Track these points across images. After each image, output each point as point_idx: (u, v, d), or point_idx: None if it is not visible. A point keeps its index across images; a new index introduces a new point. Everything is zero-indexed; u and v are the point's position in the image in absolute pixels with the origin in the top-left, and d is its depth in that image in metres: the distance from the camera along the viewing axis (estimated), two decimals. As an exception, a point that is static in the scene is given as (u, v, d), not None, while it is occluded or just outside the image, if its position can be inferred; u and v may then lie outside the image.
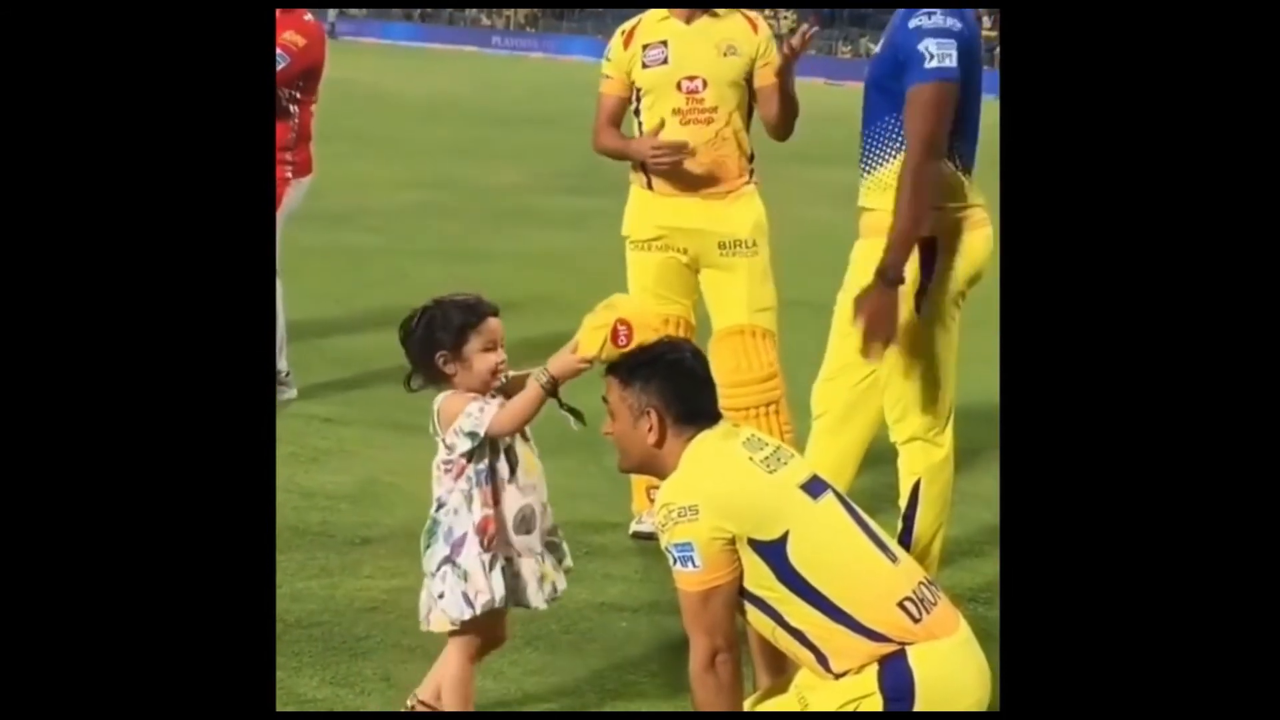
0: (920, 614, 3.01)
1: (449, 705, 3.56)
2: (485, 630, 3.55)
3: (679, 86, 5.02)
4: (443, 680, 3.57)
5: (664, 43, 5.05)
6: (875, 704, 2.95)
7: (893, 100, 4.20)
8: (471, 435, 3.42)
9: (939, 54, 4.07)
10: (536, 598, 3.54)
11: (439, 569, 3.49)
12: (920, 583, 3.08)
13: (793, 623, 3.02)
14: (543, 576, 3.57)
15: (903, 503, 4.47)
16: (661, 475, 3.19)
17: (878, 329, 4.17)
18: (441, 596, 3.48)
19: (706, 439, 3.14)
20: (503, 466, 3.49)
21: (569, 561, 3.70)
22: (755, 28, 5.12)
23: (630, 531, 5.14)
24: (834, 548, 3.04)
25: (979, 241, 4.32)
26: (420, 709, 3.62)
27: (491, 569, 3.46)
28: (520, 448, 3.53)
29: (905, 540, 4.46)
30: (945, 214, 4.24)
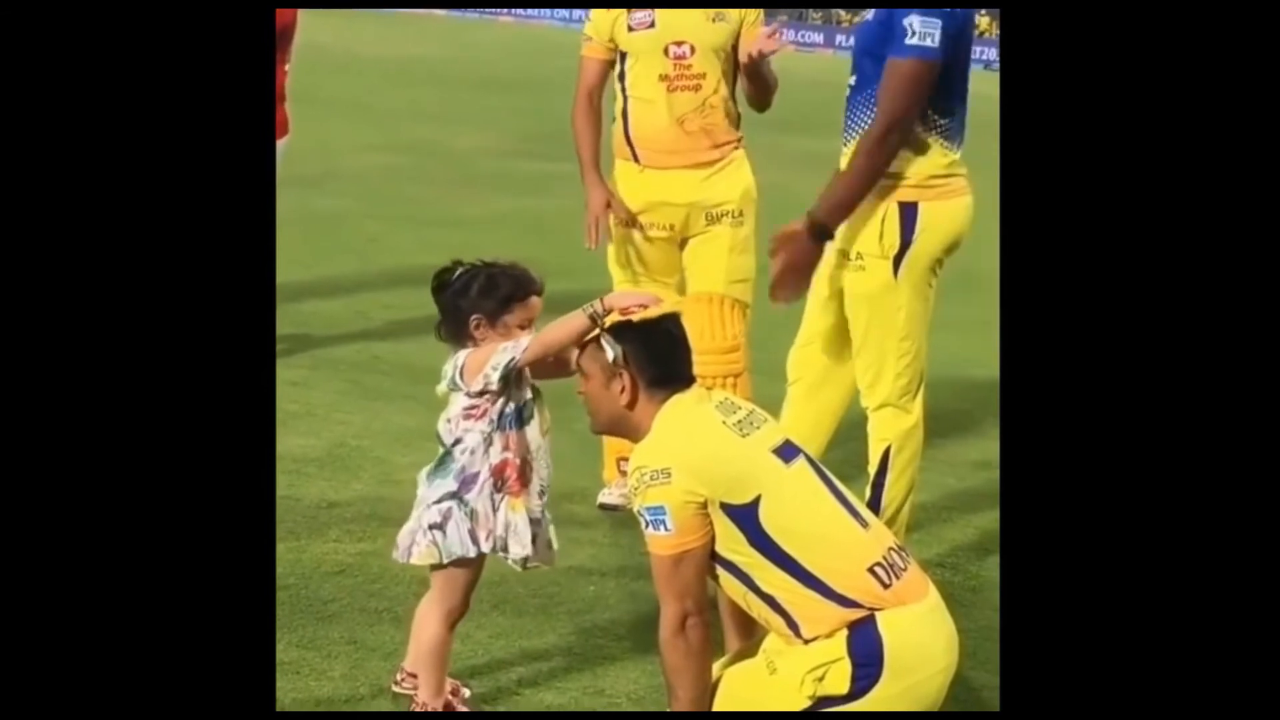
0: (890, 580, 3.02)
1: (426, 672, 3.56)
2: (469, 584, 3.54)
3: (666, 52, 4.93)
4: (420, 647, 3.57)
5: (650, 6, 4.96)
6: (844, 669, 2.96)
7: (880, 68, 4.20)
8: (506, 365, 3.38)
9: (921, 31, 4.09)
10: (515, 545, 3.50)
11: (441, 501, 3.47)
12: (890, 549, 3.09)
13: (765, 588, 3.03)
14: (534, 536, 3.54)
15: (872, 469, 4.49)
16: (632, 437, 3.19)
17: (791, 278, 4.22)
18: (436, 529, 3.46)
19: (680, 402, 3.14)
20: (521, 416, 3.48)
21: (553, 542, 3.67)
22: None
23: (598, 503, 5.14)
24: (806, 512, 3.04)
25: (958, 210, 4.34)
26: (408, 682, 3.61)
27: (497, 509, 3.46)
28: (536, 406, 3.53)
29: (875, 506, 4.47)
30: (926, 182, 4.26)
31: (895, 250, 4.27)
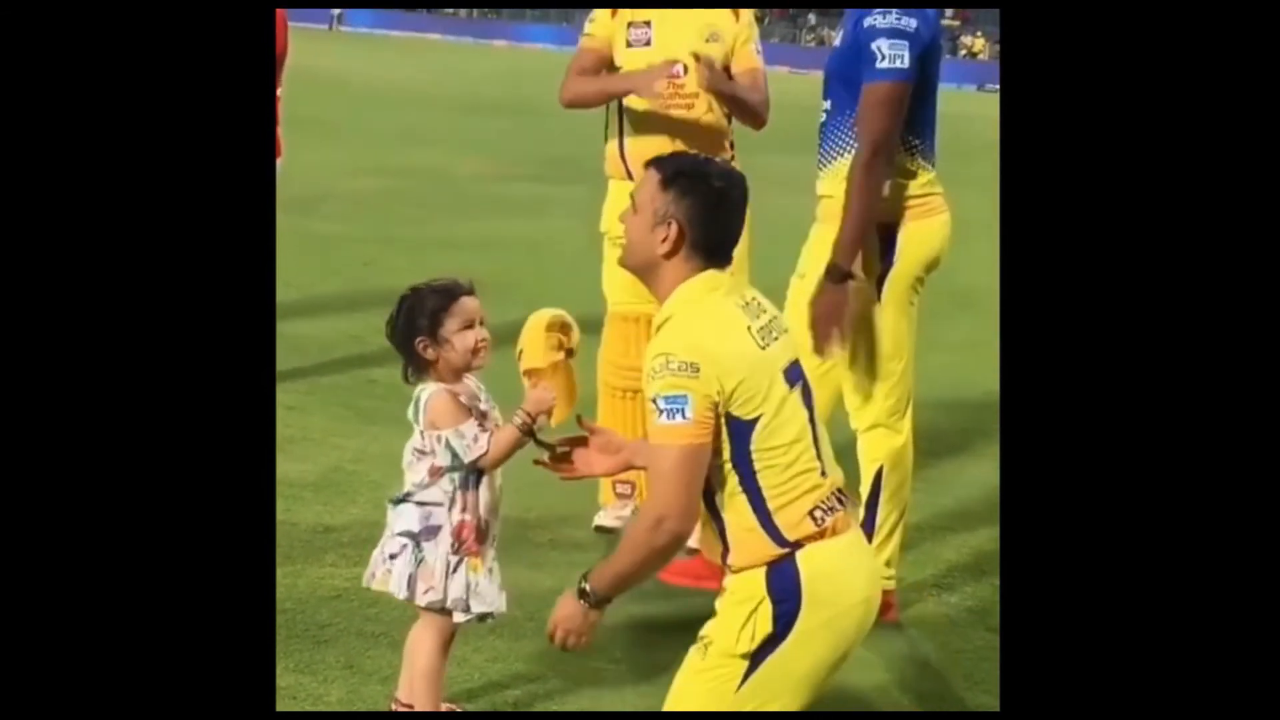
0: (824, 521, 2.96)
1: (420, 694, 3.56)
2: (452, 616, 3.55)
3: None
4: (415, 668, 3.57)
5: (648, 23, 4.99)
6: (766, 610, 2.90)
7: (853, 92, 4.24)
8: (453, 454, 3.44)
9: (890, 54, 4.13)
10: (477, 603, 3.53)
11: (400, 535, 3.50)
12: (833, 493, 3.02)
13: (719, 506, 2.96)
14: (496, 584, 3.57)
15: (864, 490, 4.49)
16: (654, 288, 3.07)
17: (830, 327, 4.23)
18: (392, 558, 3.50)
19: (711, 287, 3.00)
20: (480, 476, 3.52)
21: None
22: (737, 15, 5.05)
23: (594, 526, 5.14)
24: (786, 443, 2.95)
25: (937, 228, 4.36)
26: (402, 710, 3.61)
27: (454, 571, 3.48)
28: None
29: (869, 527, 4.47)
30: (904, 202, 4.29)
31: (877, 272, 4.30)
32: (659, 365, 2.87)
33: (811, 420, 3.03)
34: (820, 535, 2.95)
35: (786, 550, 2.92)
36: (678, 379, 2.85)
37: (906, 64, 4.13)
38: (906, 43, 4.13)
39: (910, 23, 4.15)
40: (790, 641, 2.90)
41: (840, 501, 3.01)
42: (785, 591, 2.90)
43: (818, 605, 2.91)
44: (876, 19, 4.15)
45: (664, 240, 2.98)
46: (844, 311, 4.23)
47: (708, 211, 3.00)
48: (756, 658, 2.91)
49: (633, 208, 3.06)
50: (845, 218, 4.19)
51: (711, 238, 3.01)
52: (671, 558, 3.01)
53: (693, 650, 3.02)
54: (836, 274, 4.21)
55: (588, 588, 2.98)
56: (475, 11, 63.14)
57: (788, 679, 2.92)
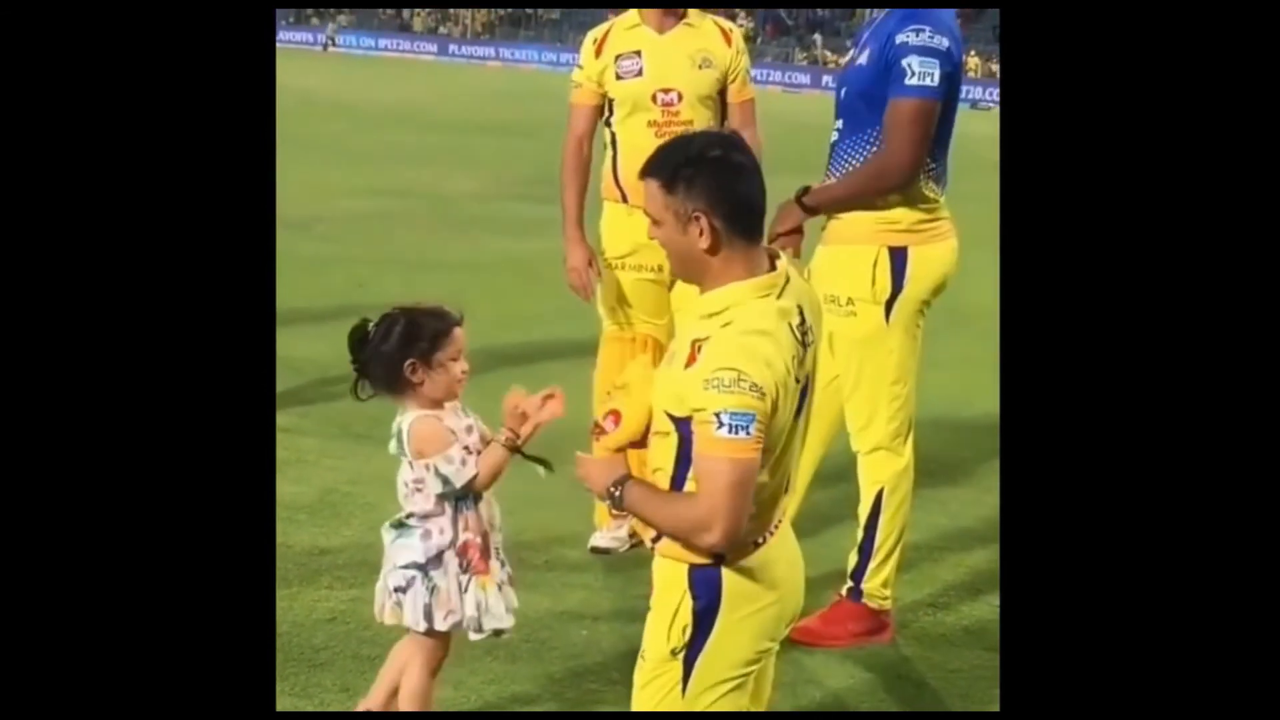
0: (761, 540, 2.95)
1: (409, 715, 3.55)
2: (446, 642, 3.55)
3: (654, 99, 4.96)
4: (402, 693, 3.56)
5: (638, 53, 4.99)
6: (687, 606, 2.91)
7: (874, 109, 4.22)
8: (444, 481, 3.43)
9: (920, 71, 4.12)
10: (490, 620, 3.53)
11: (406, 568, 3.48)
12: (780, 520, 3.01)
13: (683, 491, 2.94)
14: (503, 601, 3.56)
15: (864, 511, 4.47)
16: (714, 282, 2.98)
17: (786, 235, 4.39)
18: (399, 591, 3.48)
19: (763, 290, 2.91)
20: (475, 495, 3.51)
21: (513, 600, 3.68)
22: (729, 40, 5.07)
23: (589, 546, 5.13)
24: (765, 478, 2.91)
25: (946, 253, 4.36)
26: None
27: (466, 590, 3.47)
28: None
29: (868, 548, 4.47)
30: (915, 226, 4.28)
31: (887, 295, 4.29)
32: (730, 379, 2.82)
33: (786, 449, 2.98)
34: (750, 553, 2.95)
35: (714, 559, 2.92)
36: (746, 397, 2.81)
37: (936, 82, 4.13)
38: (937, 61, 4.13)
39: (943, 41, 4.15)
40: (714, 640, 2.92)
41: (778, 524, 3.01)
42: (705, 589, 2.91)
43: (737, 603, 2.92)
44: (909, 36, 4.14)
45: (700, 236, 2.92)
46: (800, 228, 4.40)
47: (722, 185, 2.92)
48: (688, 658, 2.93)
49: (653, 223, 3.00)
50: (843, 187, 4.30)
51: (737, 209, 2.93)
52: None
53: (636, 669, 3.03)
54: (808, 206, 4.37)
55: (619, 493, 2.96)
56: (469, 31, 63.27)
57: (723, 672, 2.94)
